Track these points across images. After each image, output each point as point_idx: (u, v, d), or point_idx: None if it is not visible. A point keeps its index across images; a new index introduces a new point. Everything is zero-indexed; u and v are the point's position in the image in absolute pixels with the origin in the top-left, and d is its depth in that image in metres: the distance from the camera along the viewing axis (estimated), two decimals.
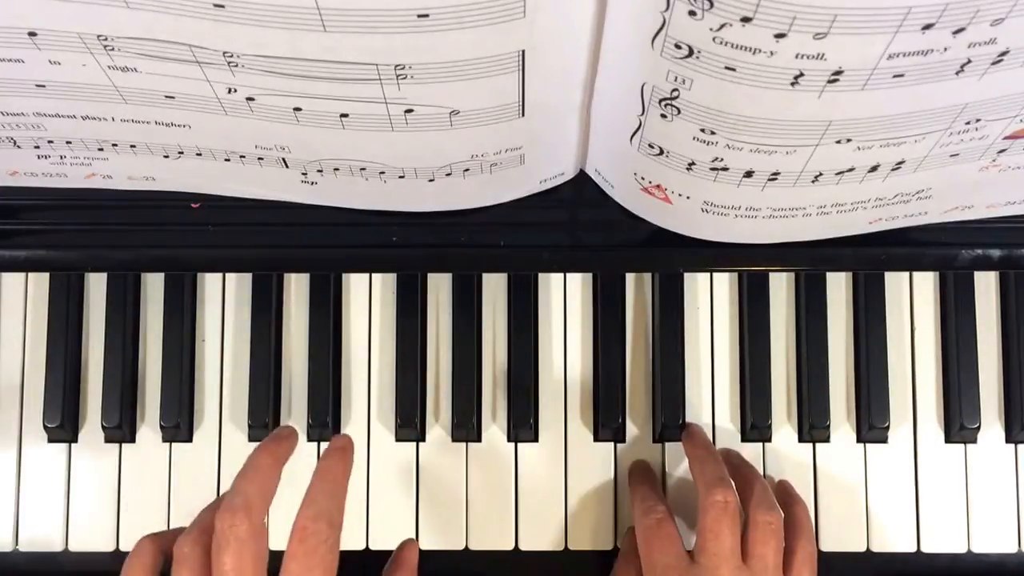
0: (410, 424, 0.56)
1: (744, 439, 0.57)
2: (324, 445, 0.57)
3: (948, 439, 0.57)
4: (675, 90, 0.36)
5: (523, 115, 0.41)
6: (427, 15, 0.33)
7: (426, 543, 0.56)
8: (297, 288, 0.58)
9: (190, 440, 0.57)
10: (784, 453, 0.56)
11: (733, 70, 0.33)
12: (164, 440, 0.57)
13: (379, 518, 0.56)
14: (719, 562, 0.47)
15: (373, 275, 0.58)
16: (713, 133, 0.38)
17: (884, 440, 0.57)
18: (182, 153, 0.46)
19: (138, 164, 0.48)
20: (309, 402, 0.56)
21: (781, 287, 0.57)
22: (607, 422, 0.56)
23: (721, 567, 0.47)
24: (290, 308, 0.58)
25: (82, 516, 0.57)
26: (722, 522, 0.48)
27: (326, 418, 0.56)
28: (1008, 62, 0.33)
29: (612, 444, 0.57)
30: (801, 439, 0.57)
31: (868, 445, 0.57)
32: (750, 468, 0.54)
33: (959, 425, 0.56)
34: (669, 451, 0.57)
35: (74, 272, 0.57)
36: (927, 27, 0.30)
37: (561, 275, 0.57)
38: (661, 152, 0.42)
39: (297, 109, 0.40)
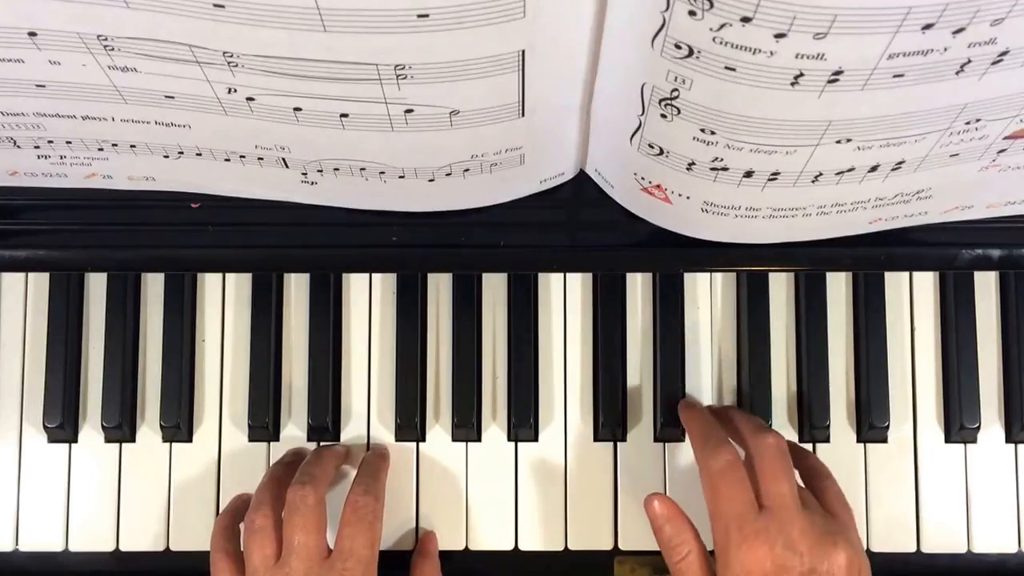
0: (410, 424, 0.56)
1: None
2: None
3: (948, 439, 0.57)
4: (675, 90, 0.36)
5: (523, 115, 0.41)
6: (427, 15, 0.33)
7: None
8: (297, 288, 0.58)
9: (190, 440, 0.57)
10: None
11: (733, 70, 0.33)
12: (164, 440, 0.57)
13: None
14: (784, 503, 0.47)
15: (373, 275, 0.58)
16: (713, 133, 0.38)
17: (884, 440, 0.57)
18: (182, 153, 0.46)
19: (138, 164, 0.48)
20: (309, 402, 0.56)
21: (781, 287, 0.57)
22: (607, 422, 0.56)
23: (787, 508, 0.46)
24: (290, 308, 0.58)
25: (82, 516, 0.57)
26: (777, 464, 0.48)
27: (326, 418, 0.56)
28: (1008, 62, 0.33)
29: (612, 444, 0.57)
30: (802, 439, 0.57)
31: (868, 445, 0.57)
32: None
33: (959, 425, 0.56)
34: (669, 451, 0.57)
35: (74, 272, 0.57)
36: (927, 27, 0.30)
37: (561, 275, 0.57)
38: (661, 152, 0.42)
39: (297, 109, 0.40)
